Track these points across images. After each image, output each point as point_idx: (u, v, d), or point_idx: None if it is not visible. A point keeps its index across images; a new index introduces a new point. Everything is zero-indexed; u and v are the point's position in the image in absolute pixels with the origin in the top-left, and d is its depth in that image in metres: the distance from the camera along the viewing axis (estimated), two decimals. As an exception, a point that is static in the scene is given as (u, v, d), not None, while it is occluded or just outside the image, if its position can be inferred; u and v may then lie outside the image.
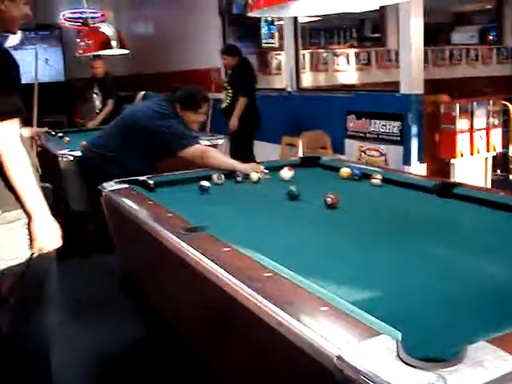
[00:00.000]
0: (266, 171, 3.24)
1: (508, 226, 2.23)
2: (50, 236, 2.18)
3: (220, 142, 5.00)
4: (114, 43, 6.19)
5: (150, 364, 2.89)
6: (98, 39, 6.25)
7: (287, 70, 6.98)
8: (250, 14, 2.86)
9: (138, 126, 3.71)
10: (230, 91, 6.25)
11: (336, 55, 8.32)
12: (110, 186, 2.94)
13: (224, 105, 6.32)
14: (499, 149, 5.44)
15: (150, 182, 3.02)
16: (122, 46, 6.30)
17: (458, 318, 1.43)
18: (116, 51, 6.27)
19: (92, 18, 10.27)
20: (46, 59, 10.81)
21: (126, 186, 2.94)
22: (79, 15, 10.85)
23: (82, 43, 6.45)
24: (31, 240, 2.15)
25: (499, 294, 1.57)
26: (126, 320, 3.38)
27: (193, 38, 8.55)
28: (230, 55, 6.32)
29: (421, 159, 5.04)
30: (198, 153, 3.52)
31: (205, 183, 2.97)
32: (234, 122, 6.05)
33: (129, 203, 2.62)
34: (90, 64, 6.93)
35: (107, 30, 6.29)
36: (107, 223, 3.02)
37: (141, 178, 3.05)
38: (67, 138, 5.45)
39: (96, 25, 7.97)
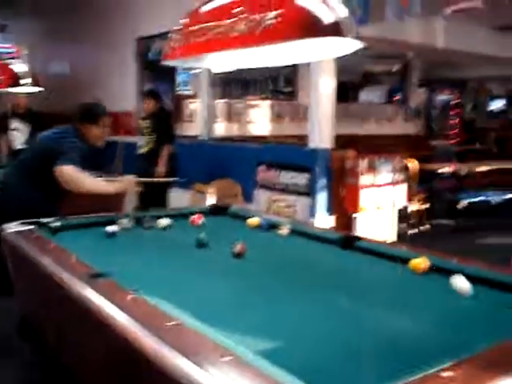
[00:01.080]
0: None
1: (403, 278, 2.32)
2: None
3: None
4: (25, 80, 6.07)
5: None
6: (8, 75, 6.12)
7: (201, 119, 7.05)
8: (165, 63, 2.90)
9: (37, 149, 3.70)
10: (151, 137, 6.16)
11: (250, 107, 8.48)
12: (11, 227, 2.84)
13: (144, 150, 6.22)
14: (403, 204, 5.68)
15: (54, 224, 2.94)
16: (34, 83, 6.19)
17: (356, 369, 1.47)
18: (27, 89, 6.14)
19: (5, 53, 10.02)
20: None
21: (29, 227, 2.85)
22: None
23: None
24: None
25: (394, 346, 1.63)
26: (24, 367, 3.23)
27: (108, 80, 8.50)
28: (153, 99, 6.27)
29: (329, 211, 5.17)
30: (71, 173, 3.37)
31: (111, 228, 2.93)
32: (161, 169, 5.97)
33: (31, 247, 2.54)
34: (12, 98, 6.76)
35: (19, 66, 6.16)
36: (7, 265, 2.90)
37: (44, 221, 2.96)
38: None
39: (8, 61, 7.79)
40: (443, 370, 1.32)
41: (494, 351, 1.46)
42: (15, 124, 6.77)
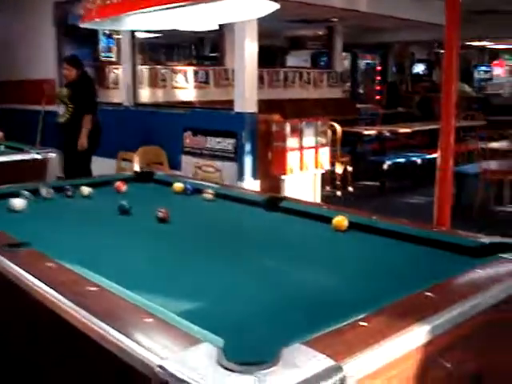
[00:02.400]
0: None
1: (327, 236, 2.38)
2: None
3: (51, 155, 4.80)
4: None
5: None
6: None
7: (124, 85, 6.92)
8: (82, 25, 2.82)
9: None
10: (70, 106, 5.93)
11: (175, 72, 8.37)
12: None
13: (63, 119, 5.99)
14: (327, 166, 5.79)
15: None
16: None
17: (277, 323, 1.50)
18: None
19: None
20: None
21: None
22: None
23: None
24: None
25: (314, 300, 1.67)
26: None
27: (25, 46, 8.19)
28: (73, 66, 5.99)
29: (255, 176, 5.21)
30: None
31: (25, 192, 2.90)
32: (82, 140, 5.78)
33: None
34: None
35: None
36: None
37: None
38: None
39: None
40: (360, 320, 1.37)
41: (406, 302, 1.52)
42: None
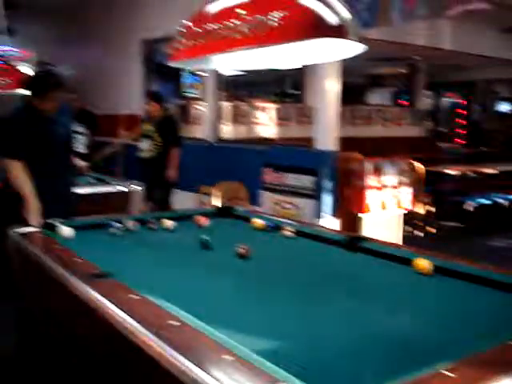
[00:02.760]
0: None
1: (410, 279, 2.32)
2: None
3: (136, 188, 4.95)
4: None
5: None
6: (17, 77, 6.15)
7: (208, 121, 7.07)
8: (171, 64, 2.92)
9: None
10: (158, 141, 5.98)
11: (256, 109, 8.49)
12: (17, 229, 2.86)
13: (148, 154, 6.03)
14: (408, 206, 5.67)
15: (60, 226, 2.95)
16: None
17: (359, 368, 1.47)
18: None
19: (13, 56, 10.07)
20: None
21: (36, 229, 2.87)
22: (0, 52, 10.60)
23: (2, 81, 6.33)
24: None
25: (397, 345, 1.63)
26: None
27: (114, 83, 8.54)
28: (157, 102, 6.12)
29: (334, 214, 5.17)
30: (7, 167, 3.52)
31: (115, 224, 2.99)
32: (172, 173, 5.88)
33: (36, 247, 2.55)
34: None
35: (26, 69, 6.20)
36: (13, 267, 2.91)
37: (50, 221, 2.98)
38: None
39: (16, 63, 7.84)
40: (446, 369, 1.32)
41: (496, 351, 1.46)
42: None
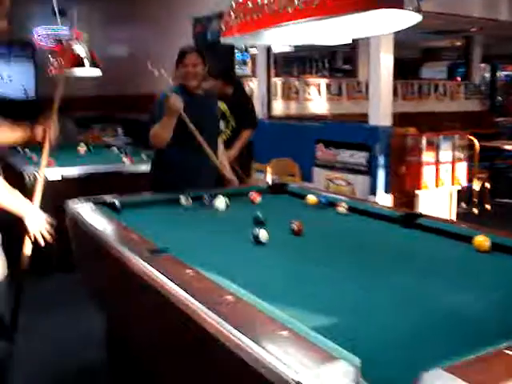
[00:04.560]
0: None
1: (468, 257, 2.27)
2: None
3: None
4: (86, 63, 6.18)
5: None
6: (71, 58, 6.22)
7: (259, 98, 7.05)
8: (223, 41, 2.90)
9: None
10: (231, 121, 5.24)
11: (307, 85, 8.42)
12: (74, 204, 2.92)
13: (223, 136, 5.13)
14: (464, 182, 5.55)
15: (117, 202, 3.00)
16: (94, 66, 6.29)
17: (416, 345, 1.45)
18: (88, 71, 6.26)
19: (65, 36, 10.23)
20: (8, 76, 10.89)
21: (92, 205, 2.92)
22: (53, 33, 10.79)
23: (55, 61, 6.43)
24: None
25: (455, 323, 1.60)
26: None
27: (167, 62, 8.58)
28: (227, 81, 5.30)
29: (388, 190, 5.11)
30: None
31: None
32: (234, 152, 5.06)
33: (94, 224, 2.60)
34: None
35: (80, 49, 6.27)
36: (71, 242, 2.98)
37: (107, 198, 3.03)
38: (34, 156, 5.39)
39: (69, 43, 7.94)
40: (506, 348, 1.29)
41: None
42: None
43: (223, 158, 3.94)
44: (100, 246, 2.40)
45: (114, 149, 6.49)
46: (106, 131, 9.41)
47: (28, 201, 2.65)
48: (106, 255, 2.33)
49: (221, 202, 3.15)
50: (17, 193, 2.52)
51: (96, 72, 6.33)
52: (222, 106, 5.25)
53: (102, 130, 9.45)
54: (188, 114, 3.50)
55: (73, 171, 4.85)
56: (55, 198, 3.17)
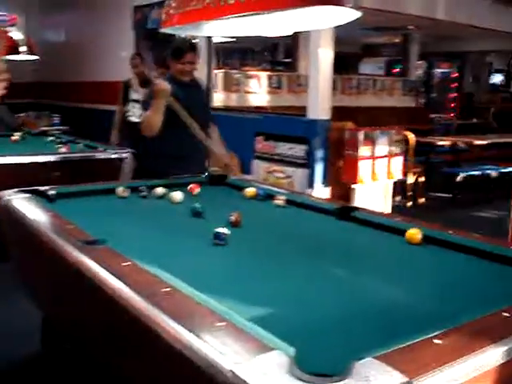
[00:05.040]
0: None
1: (401, 249, 2.34)
2: None
3: (126, 155, 4.90)
4: (22, 48, 6.01)
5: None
6: (7, 43, 6.05)
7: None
8: (163, 30, 2.87)
9: None
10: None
11: (248, 77, 8.43)
12: (8, 194, 2.84)
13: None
14: (399, 176, 5.69)
15: (51, 192, 2.94)
16: (30, 51, 6.13)
17: (349, 335, 1.48)
18: (23, 57, 6.09)
19: (1, 21, 9.90)
20: None
21: (26, 195, 2.85)
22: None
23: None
24: None
25: (387, 314, 1.65)
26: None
27: (105, 49, 8.44)
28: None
29: (325, 183, 5.18)
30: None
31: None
32: None
33: (27, 213, 2.54)
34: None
35: (16, 34, 6.10)
36: (3, 231, 2.91)
37: (41, 188, 2.97)
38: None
39: (5, 29, 7.71)
40: (434, 337, 1.34)
41: (482, 321, 1.47)
42: (134, 95, 6.17)
43: (221, 147, 4.14)
44: (34, 236, 2.35)
45: (50, 137, 6.33)
46: (42, 119, 9.17)
47: None
48: (38, 246, 2.29)
49: (177, 194, 3.08)
50: None
51: (32, 57, 6.17)
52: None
53: (38, 117, 9.20)
54: (179, 102, 3.65)
55: (6, 160, 4.70)
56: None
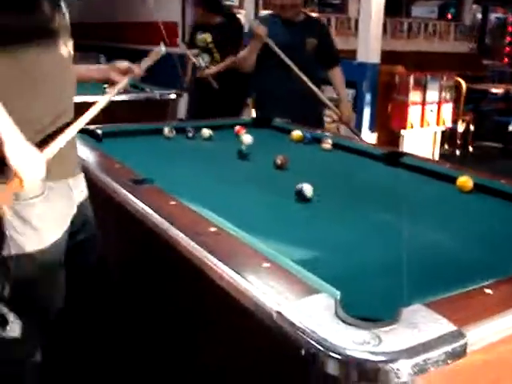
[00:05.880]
0: None
1: (450, 196, 2.28)
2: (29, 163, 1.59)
3: (172, 96, 4.88)
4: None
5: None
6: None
7: (247, 30, 6.89)
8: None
9: None
10: (216, 56, 5.03)
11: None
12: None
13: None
14: (449, 123, 5.55)
15: (99, 131, 2.96)
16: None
17: (397, 282, 1.46)
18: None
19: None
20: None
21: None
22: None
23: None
24: None
25: (434, 261, 1.62)
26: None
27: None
28: (211, 10, 5.02)
29: (372, 128, 5.09)
30: None
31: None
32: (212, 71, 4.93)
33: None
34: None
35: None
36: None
37: (90, 127, 2.98)
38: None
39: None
40: (486, 286, 1.31)
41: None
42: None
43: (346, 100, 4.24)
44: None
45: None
46: (89, 60, 9.18)
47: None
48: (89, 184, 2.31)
49: (247, 138, 2.98)
50: None
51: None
52: (206, 37, 5.07)
53: (84, 58, 9.22)
54: (277, 43, 3.73)
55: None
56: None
